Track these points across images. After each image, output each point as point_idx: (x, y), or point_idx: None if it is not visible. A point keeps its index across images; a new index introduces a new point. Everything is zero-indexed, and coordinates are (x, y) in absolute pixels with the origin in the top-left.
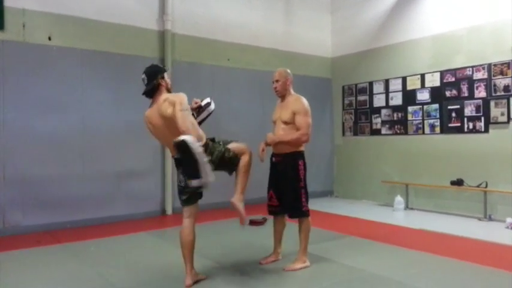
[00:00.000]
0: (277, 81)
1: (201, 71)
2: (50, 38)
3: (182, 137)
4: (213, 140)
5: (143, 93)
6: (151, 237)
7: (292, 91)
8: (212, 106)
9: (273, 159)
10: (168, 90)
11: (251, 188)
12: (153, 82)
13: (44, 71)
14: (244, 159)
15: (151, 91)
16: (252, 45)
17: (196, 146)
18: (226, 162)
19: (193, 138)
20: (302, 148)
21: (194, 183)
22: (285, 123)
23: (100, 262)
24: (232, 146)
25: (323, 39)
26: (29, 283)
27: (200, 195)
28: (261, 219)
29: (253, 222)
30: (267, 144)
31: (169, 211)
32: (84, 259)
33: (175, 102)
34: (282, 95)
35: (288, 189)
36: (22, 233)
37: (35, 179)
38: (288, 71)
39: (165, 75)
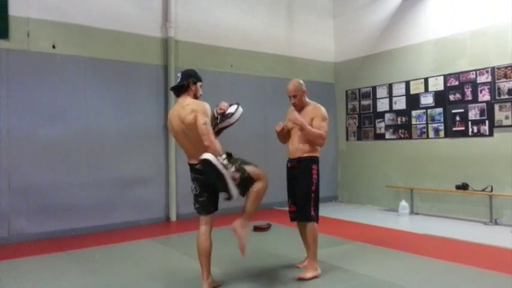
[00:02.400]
0: (294, 96)
1: (204, 77)
2: (54, 46)
3: (205, 156)
4: (230, 155)
5: (171, 88)
6: (155, 244)
7: (307, 100)
8: (235, 117)
9: (288, 164)
10: (196, 98)
11: None
12: (184, 82)
13: (48, 79)
14: (258, 185)
15: (179, 89)
16: (254, 51)
17: (219, 163)
18: (239, 182)
19: (214, 155)
20: (317, 154)
21: (223, 196)
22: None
23: (104, 269)
24: (249, 168)
25: (326, 44)
26: None
27: (215, 207)
28: (265, 225)
29: (257, 228)
30: (296, 123)
31: (173, 217)
32: (89, 266)
33: (197, 112)
34: (300, 107)
35: (299, 192)
36: (26, 241)
37: (39, 186)
38: (301, 81)
39: (199, 83)
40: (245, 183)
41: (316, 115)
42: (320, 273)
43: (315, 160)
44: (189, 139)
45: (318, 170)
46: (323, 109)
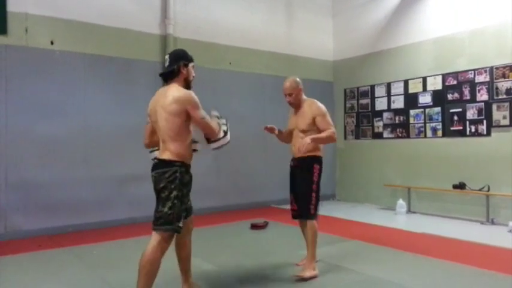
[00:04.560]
0: (290, 94)
1: (202, 74)
2: (52, 42)
3: (228, 138)
4: (218, 117)
5: (160, 74)
6: None
7: (304, 97)
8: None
9: (292, 163)
10: (187, 82)
11: (252, 192)
12: (173, 66)
13: (46, 75)
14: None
15: (169, 75)
16: (253, 49)
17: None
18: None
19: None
20: (320, 153)
21: (214, 145)
22: (303, 131)
23: (102, 266)
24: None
25: (324, 43)
26: (31, 287)
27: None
28: (262, 222)
29: (254, 226)
30: (300, 147)
31: None
32: (86, 263)
33: (186, 103)
34: (297, 106)
35: (300, 190)
36: (24, 237)
37: (36, 182)
38: (298, 79)
39: (190, 64)
40: None
41: (316, 113)
42: (318, 273)
43: (317, 159)
44: (159, 131)
45: (320, 170)
46: (320, 104)
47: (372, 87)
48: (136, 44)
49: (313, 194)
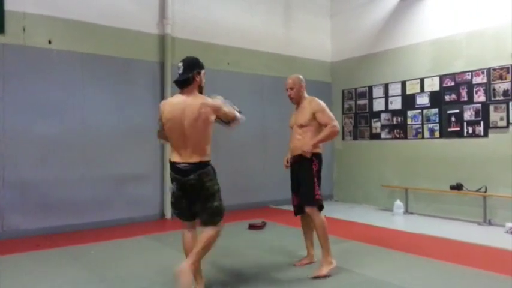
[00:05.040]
0: (291, 88)
1: None
2: (50, 42)
3: (242, 120)
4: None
5: (174, 81)
6: (150, 241)
7: (306, 95)
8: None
9: (291, 160)
10: (200, 88)
11: (250, 192)
12: (189, 74)
13: (44, 75)
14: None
15: (184, 82)
16: (252, 50)
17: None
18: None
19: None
20: (319, 150)
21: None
22: (301, 126)
23: (100, 266)
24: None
25: (323, 44)
26: (28, 287)
27: (194, 216)
28: (260, 223)
29: (252, 226)
30: (304, 154)
31: (168, 215)
32: (84, 263)
33: (213, 108)
34: (297, 102)
35: (302, 181)
36: (21, 237)
37: (34, 182)
38: (301, 77)
39: (202, 71)
40: None
41: (315, 108)
42: (335, 264)
43: (316, 155)
44: (187, 138)
45: (319, 164)
46: (318, 100)
47: (370, 88)
48: (134, 44)
49: (315, 180)
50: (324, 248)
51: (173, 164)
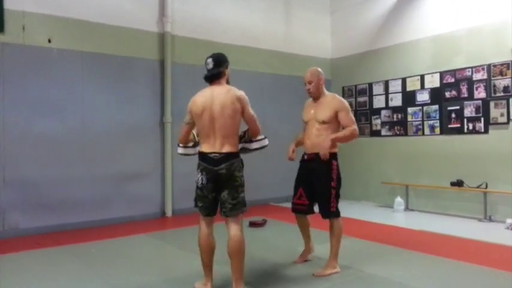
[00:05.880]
0: (310, 82)
1: (201, 73)
2: (49, 41)
3: (266, 141)
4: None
5: (205, 77)
6: (151, 239)
7: (325, 90)
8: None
9: (305, 156)
10: (228, 82)
11: (251, 190)
12: (220, 69)
13: (43, 73)
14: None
15: (214, 77)
16: (251, 47)
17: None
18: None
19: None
20: (336, 149)
21: (255, 145)
22: (323, 122)
23: (101, 264)
24: None
25: (323, 41)
26: (29, 286)
27: (215, 211)
28: (261, 220)
29: (253, 224)
30: (323, 156)
31: (169, 213)
32: (85, 261)
33: (244, 102)
34: (316, 96)
35: (320, 189)
36: (22, 235)
37: (34, 180)
38: (320, 69)
39: (229, 67)
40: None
41: (339, 107)
42: (339, 270)
43: (334, 155)
44: (216, 128)
45: (337, 166)
46: (343, 100)
47: (370, 85)
48: (134, 42)
49: (333, 192)
50: (335, 252)
51: (204, 155)
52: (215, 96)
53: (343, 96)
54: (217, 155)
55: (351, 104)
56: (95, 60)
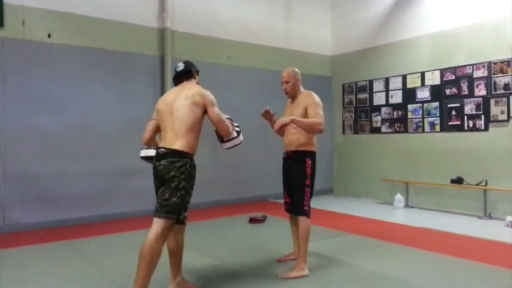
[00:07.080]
0: (286, 82)
1: (200, 68)
2: (49, 35)
3: (241, 138)
4: (230, 119)
5: (175, 75)
6: None
7: (302, 89)
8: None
9: (284, 155)
10: None
11: (250, 186)
12: (189, 68)
13: (43, 68)
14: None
15: (183, 75)
16: (252, 43)
17: (240, 136)
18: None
19: (232, 133)
20: (313, 148)
21: (228, 145)
22: None
23: (101, 259)
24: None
25: (323, 37)
26: (30, 280)
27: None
28: (261, 217)
29: (253, 220)
30: (283, 125)
31: None
32: (85, 256)
33: (207, 99)
34: (293, 96)
35: (294, 186)
36: (22, 230)
37: (35, 176)
38: (296, 70)
39: (198, 76)
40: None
41: (309, 103)
42: (307, 273)
43: (309, 154)
44: (172, 122)
45: (313, 164)
46: (315, 96)
47: (370, 82)
48: (133, 38)
49: (306, 189)
50: (302, 254)
51: (157, 150)
52: (179, 91)
53: (343, 94)
54: (164, 149)
55: (351, 101)
56: (94, 55)
